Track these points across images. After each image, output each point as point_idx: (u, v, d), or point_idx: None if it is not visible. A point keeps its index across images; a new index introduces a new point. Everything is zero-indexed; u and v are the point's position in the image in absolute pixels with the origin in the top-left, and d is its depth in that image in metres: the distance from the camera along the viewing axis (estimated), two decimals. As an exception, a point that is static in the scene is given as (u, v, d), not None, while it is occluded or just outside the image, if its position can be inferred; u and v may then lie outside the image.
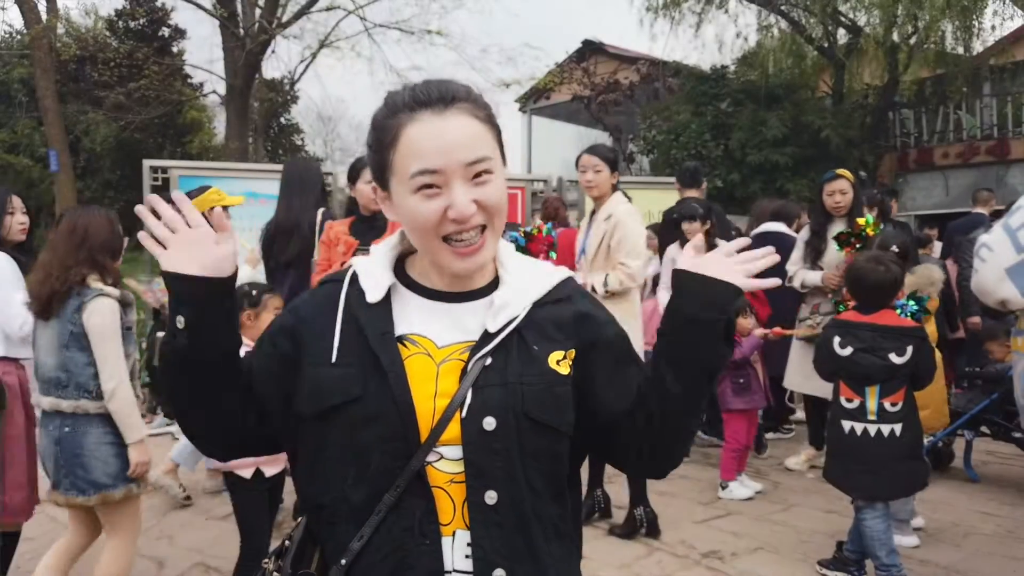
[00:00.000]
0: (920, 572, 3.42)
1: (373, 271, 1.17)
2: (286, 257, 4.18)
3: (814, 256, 4.62)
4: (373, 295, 1.14)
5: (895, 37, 12.00)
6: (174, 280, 1.09)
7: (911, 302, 3.54)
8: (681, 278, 1.13)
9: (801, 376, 4.55)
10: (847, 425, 3.21)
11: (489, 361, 1.09)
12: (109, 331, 2.81)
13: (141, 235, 1.11)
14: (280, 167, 6.22)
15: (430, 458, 1.06)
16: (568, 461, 1.15)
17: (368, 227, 3.69)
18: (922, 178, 13.87)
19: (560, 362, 1.13)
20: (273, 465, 2.92)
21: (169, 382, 1.17)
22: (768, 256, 1.15)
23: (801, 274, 4.64)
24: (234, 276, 1.13)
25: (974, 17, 12.07)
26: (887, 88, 13.05)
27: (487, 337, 1.10)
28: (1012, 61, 13.06)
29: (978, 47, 12.71)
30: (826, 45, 13.61)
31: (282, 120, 20.56)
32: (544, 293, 1.17)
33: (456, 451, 1.06)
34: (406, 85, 1.12)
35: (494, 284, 1.17)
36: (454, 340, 1.12)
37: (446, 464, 1.07)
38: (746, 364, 4.42)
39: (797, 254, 4.72)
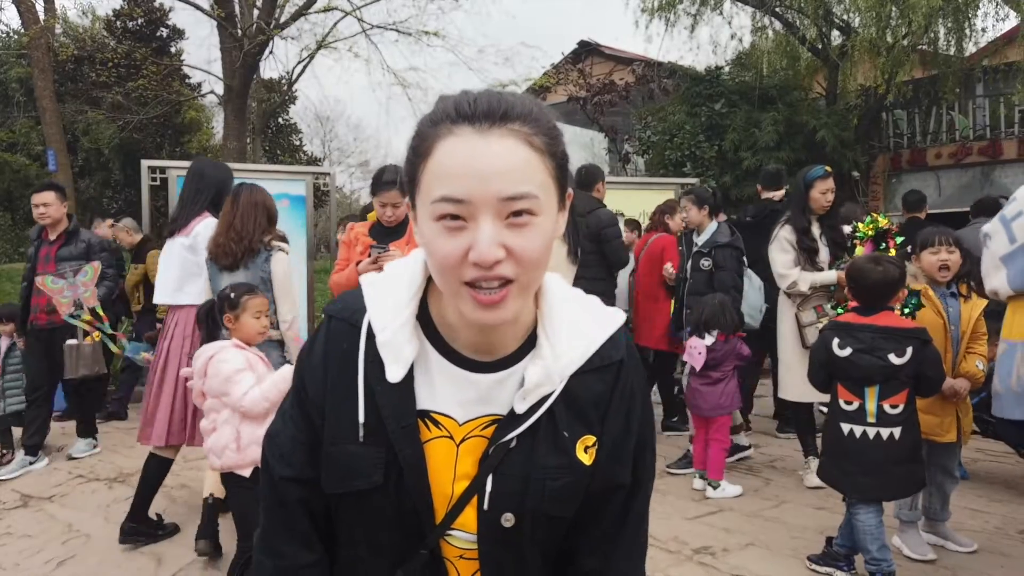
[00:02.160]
0: (909, 568, 3.46)
1: (395, 336, 1.00)
2: None
3: (809, 257, 4.39)
4: (394, 373, 0.99)
5: (888, 38, 12.06)
6: None
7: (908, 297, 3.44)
8: None
9: (805, 385, 4.07)
10: (845, 428, 3.18)
11: (514, 444, 0.99)
12: (287, 276, 3.66)
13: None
14: (278, 168, 6.27)
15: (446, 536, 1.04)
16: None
17: (388, 231, 3.76)
18: (915, 178, 13.94)
19: (588, 450, 1.02)
20: None
21: None
22: None
23: (807, 277, 4.36)
24: None
25: (967, 18, 12.13)
26: (881, 90, 13.12)
27: (513, 419, 0.99)
28: (1005, 62, 13.14)
29: (971, 48, 12.77)
30: (820, 46, 13.67)
31: (280, 120, 20.57)
32: (587, 359, 1.03)
33: (469, 536, 1.02)
34: (463, 91, 0.94)
35: (529, 345, 1.03)
36: (478, 414, 1.01)
37: (457, 541, 1.03)
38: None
39: (788, 256, 4.45)
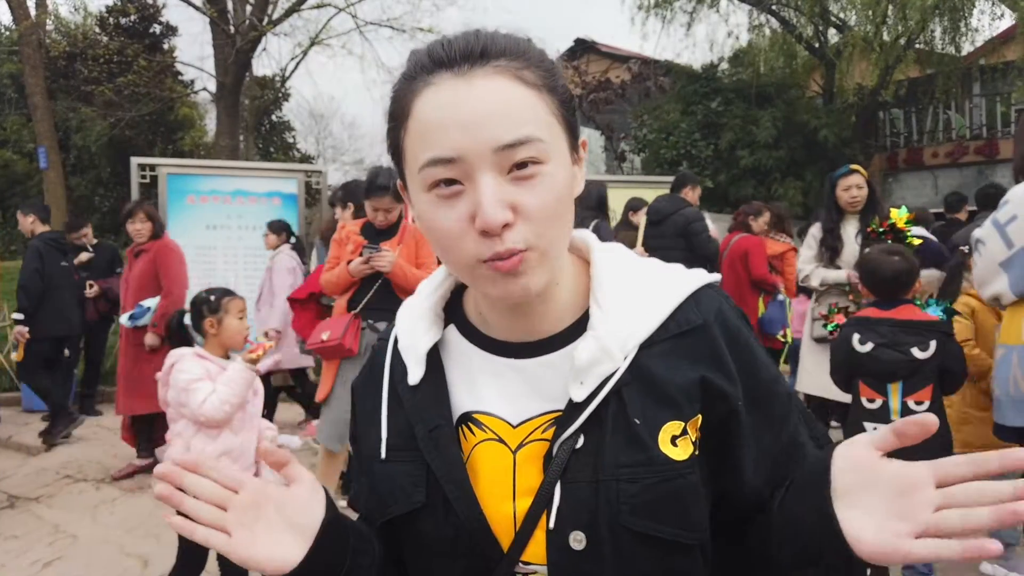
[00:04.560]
0: (900, 568, 3.43)
1: (413, 335, 0.89)
2: None
3: (830, 255, 4.46)
4: (414, 374, 0.87)
5: (885, 36, 12.05)
6: None
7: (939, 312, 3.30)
8: (820, 521, 0.72)
9: (811, 378, 4.43)
10: (869, 427, 3.03)
11: (581, 442, 0.79)
12: None
13: (177, 524, 0.80)
14: (270, 165, 6.23)
15: (518, 570, 0.82)
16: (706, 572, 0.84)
17: (379, 230, 3.74)
18: (912, 177, 13.96)
19: (678, 439, 0.79)
20: None
21: None
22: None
23: (819, 272, 4.47)
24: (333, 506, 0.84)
25: (963, 17, 12.13)
26: (877, 88, 13.11)
27: (573, 409, 0.79)
28: (1002, 61, 13.14)
29: (968, 47, 12.78)
30: (816, 44, 13.66)
31: (273, 118, 20.47)
32: (656, 328, 0.82)
33: (545, 571, 0.80)
34: (439, 38, 0.80)
35: (581, 323, 0.84)
36: (533, 412, 0.83)
37: None
38: None
39: (809, 252, 4.58)
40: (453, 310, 0.91)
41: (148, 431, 5.05)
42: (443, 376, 0.86)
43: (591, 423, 0.79)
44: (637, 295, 0.83)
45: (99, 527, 4.13)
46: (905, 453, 0.66)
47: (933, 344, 2.99)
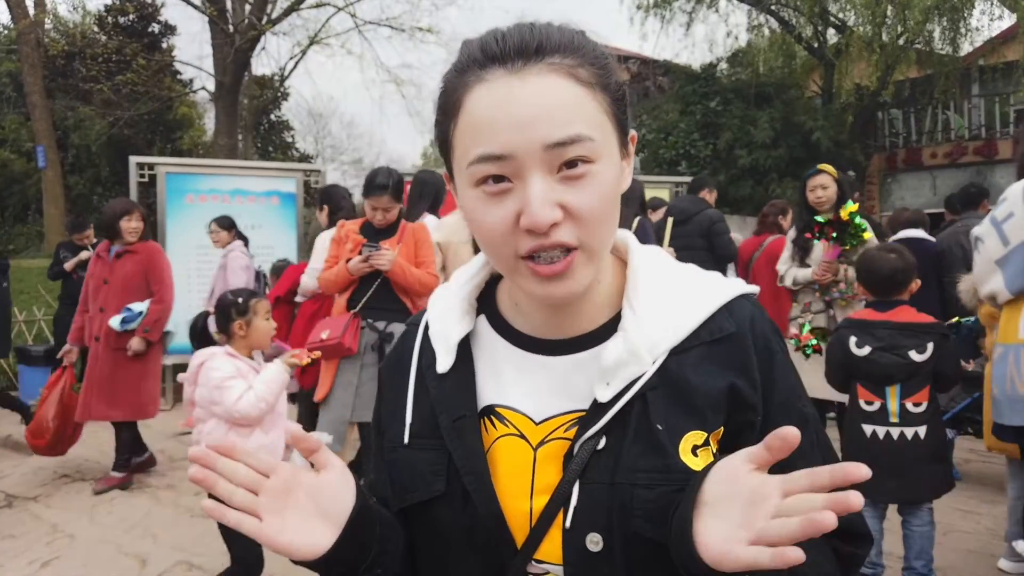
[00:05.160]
0: (900, 569, 3.44)
1: (444, 323, 0.90)
2: None
3: (801, 255, 4.52)
4: (443, 362, 0.87)
5: (884, 37, 12.06)
6: (306, 564, 0.78)
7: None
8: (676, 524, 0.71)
9: None
10: (868, 429, 3.05)
11: (603, 443, 0.79)
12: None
13: (209, 507, 0.77)
14: (268, 164, 6.17)
15: (532, 568, 0.82)
16: None
17: (379, 229, 3.73)
18: (910, 178, 13.97)
19: (699, 450, 0.79)
20: None
21: None
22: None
23: (792, 272, 4.57)
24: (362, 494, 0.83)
25: (962, 17, 12.14)
26: (876, 88, 13.13)
27: (598, 410, 0.80)
28: (1002, 62, 13.15)
29: (967, 47, 12.79)
30: (816, 45, 13.67)
31: (272, 117, 20.45)
32: (687, 335, 0.82)
33: (560, 571, 0.80)
34: (491, 29, 0.79)
35: (613, 323, 0.84)
36: (557, 410, 0.83)
37: None
38: None
39: (786, 253, 4.67)
40: (486, 301, 0.92)
41: (131, 439, 4.93)
42: (471, 366, 0.87)
43: (614, 425, 0.79)
44: (671, 300, 0.84)
45: (97, 527, 4.13)
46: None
47: (930, 346, 2.99)
